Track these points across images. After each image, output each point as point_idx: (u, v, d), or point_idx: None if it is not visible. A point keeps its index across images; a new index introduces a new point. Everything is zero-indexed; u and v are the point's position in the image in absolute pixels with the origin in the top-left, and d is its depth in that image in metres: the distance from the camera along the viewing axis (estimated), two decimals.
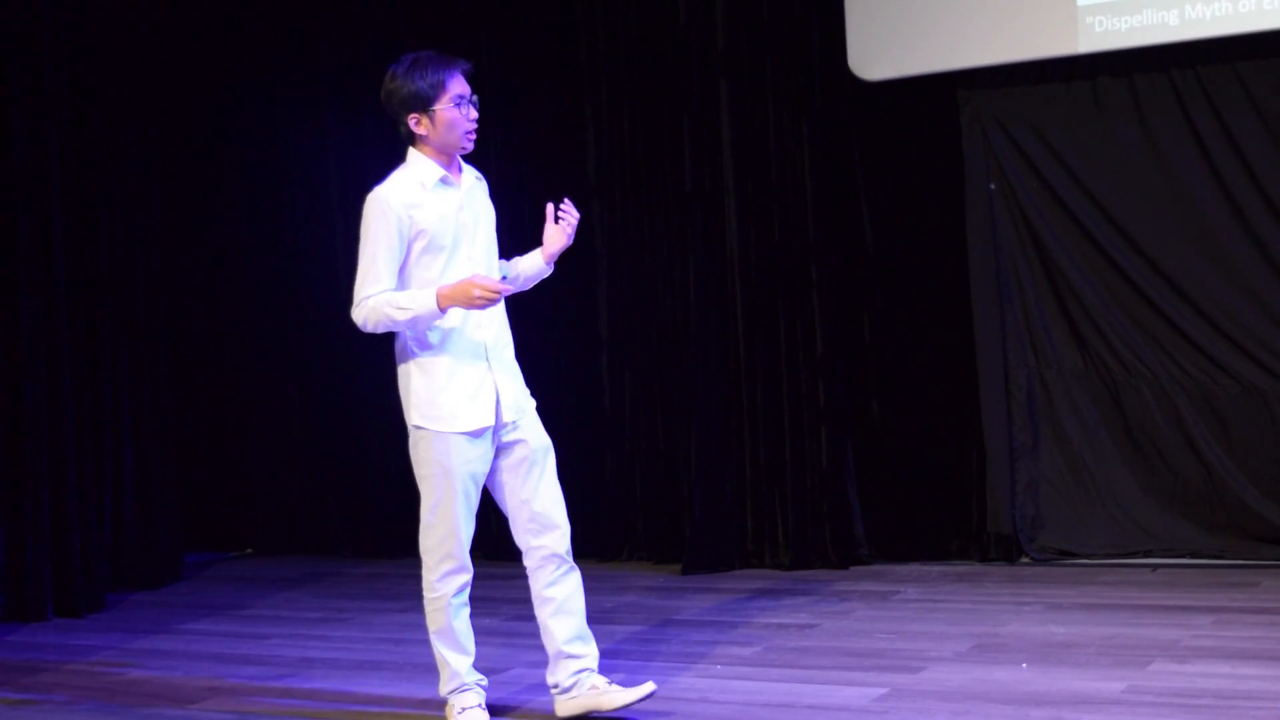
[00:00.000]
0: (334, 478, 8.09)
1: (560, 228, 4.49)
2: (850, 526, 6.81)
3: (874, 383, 6.91)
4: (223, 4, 8.24)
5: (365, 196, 8.40)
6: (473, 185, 4.39)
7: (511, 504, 4.36)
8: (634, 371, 7.29)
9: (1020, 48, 6.38)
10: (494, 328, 4.34)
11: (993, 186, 6.61)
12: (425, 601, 4.37)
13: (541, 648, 5.34)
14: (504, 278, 4.35)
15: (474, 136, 4.31)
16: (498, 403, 4.27)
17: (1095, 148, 6.47)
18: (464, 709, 4.35)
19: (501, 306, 4.36)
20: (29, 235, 6.60)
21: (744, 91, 6.90)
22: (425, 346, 4.27)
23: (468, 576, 4.35)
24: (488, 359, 4.29)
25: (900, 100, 6.77)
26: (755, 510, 6.93)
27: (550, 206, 4.56)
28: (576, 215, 4.51)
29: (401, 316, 4.18)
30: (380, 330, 4.27)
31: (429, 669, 5.10)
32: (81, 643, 6.05)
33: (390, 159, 8.24)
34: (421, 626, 5.96)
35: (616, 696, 4.32)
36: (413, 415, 4.28)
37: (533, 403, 4.44)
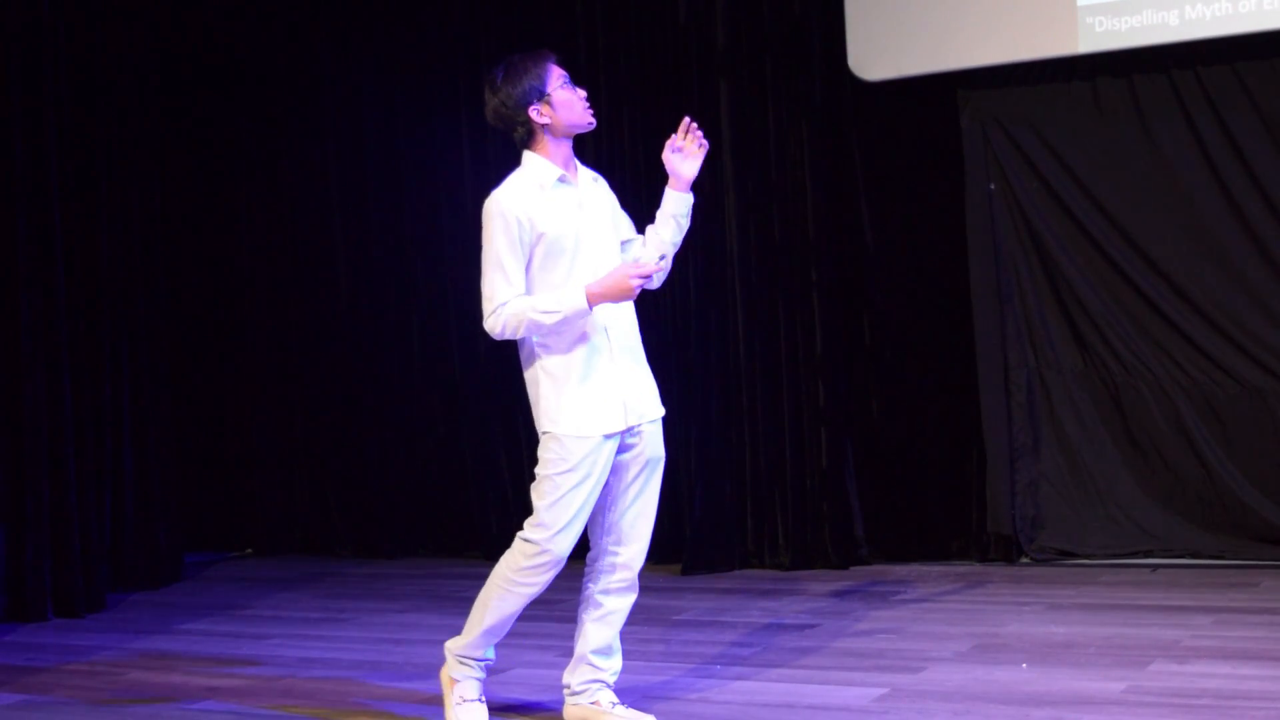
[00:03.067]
0: (334, 478, 8.09)
1: (686, 148, 4.31)
2: (850, 526, 6.81)
3: (874, 383, 6.91)
4: (222, 4, 8.24)
5: (364, 197, 8.44)
6: (590, 184, 4.32)
7: (604, 502, 4.28)
8: None
9: (1020, 48, 6.38)
10: (621, 326, 4.25)
11: (993, 186, 6.61)
12: (501, 580, 4.21)
13: (541, 648, 5.36)
14: (663, 255, 4.19)
15: (591, 111, 4.25)
16: (626, 407, 4.21)
17: (1095, 148, 6.47)
18: (464, 699, 4.33)
19: (630, 304, 4.27)
20: (29, 235, 6.60)
21: (744, 91, 6.91)
22: (551, 350, 4.19)
23: (554, 577, 4.23)
24: (614, 360, 4.22)
25: (900, 100, 6.77)
26: (755, 510, 6.94)
27: (671, 140, 4.37)
28: (696, 135, 4.32)
29: (550, 320, 4.09)
30: (519, 336, 4.16)
31: (429, 669, 5.11)
32: (81, 643, 6.05)
33: (389, 160, 8.23)
34: (422, 626, 5.99)
35: None
36: (543, 421, 4.19)
37: (660, 410, 4.36)
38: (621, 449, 4.25)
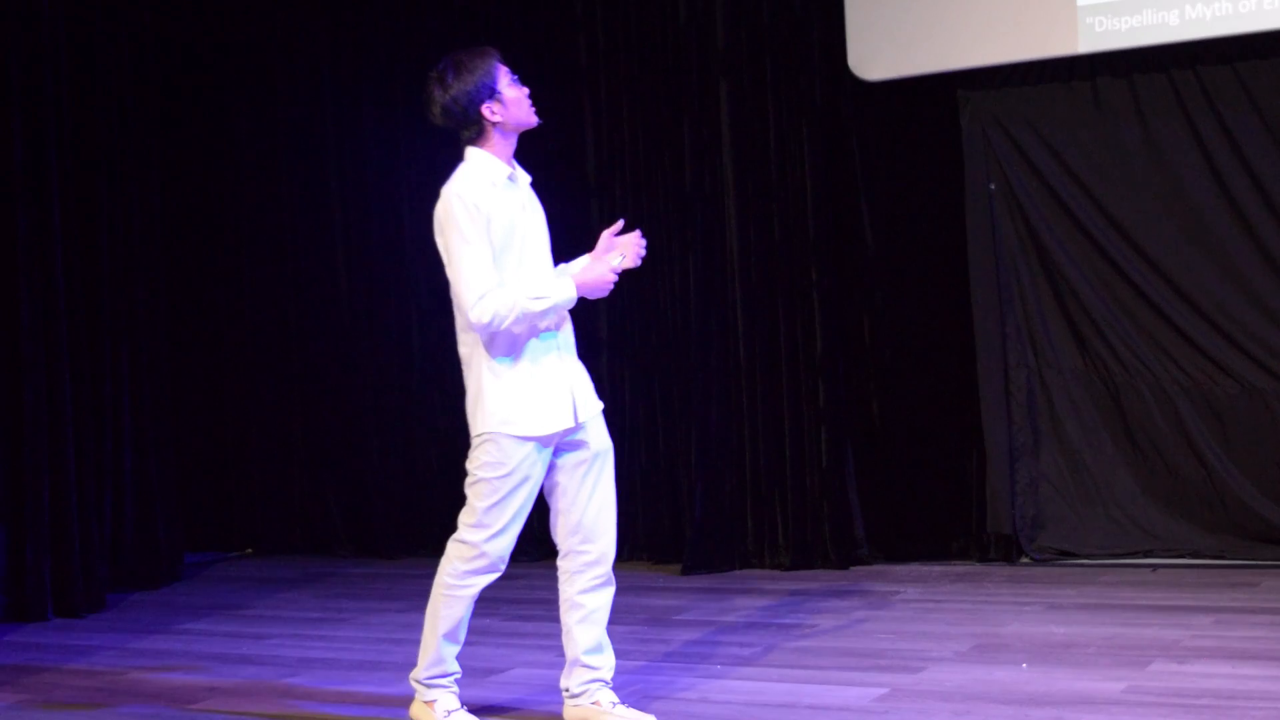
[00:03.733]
0: (334, 478, 8.09)
1: (622, 246, 4.28)
2: (850, 526, 6.81)
3: (874, 383, 6.91)
4: (222, 4, 8.24)
5: (363, 196, 8.42)
6: (529, 186, 4.33)
7: (562, 504, 4.27)
8: (634, 371, 7.29)
9: (1020, 48, 6.38)
10: (565, 325, 4.26)
11: (993, 186, 6.61)
12: (444, 589, 4.25)
13: (541, 648, 5.37)
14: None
15: (535, 109, 4.26)
16: (574, 405, 4.21)
17: (1095, 148, 6.47)
18: (450, 711, 4.33)
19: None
20: (29, 235, 6.60)
21: (744, 91, 6.90)
22: (500, 350, 4.14)
23: (497, 575, 4.26)
24: (560, 358, 4.22)
25: (900, 100, 6.77)
26: (755, 510, 6.93)
27: (606, 234, 4.35)
28: (638, 245, 4.29)
29: (538, 307, 4.07)
30: (509, 324, 4.07)
31: None
32: (81, 643, 6.05)
33: (388, 160, 8.23)
34: (421, 626, 5.97)
35: None
36: (489, 420, 4.13)
37: (600, 404, 4.36)
38: (570, 447, 4.24)
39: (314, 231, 8.09)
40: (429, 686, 4.34)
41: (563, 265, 4.38)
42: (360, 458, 7.97)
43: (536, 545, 7.20)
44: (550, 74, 7.42)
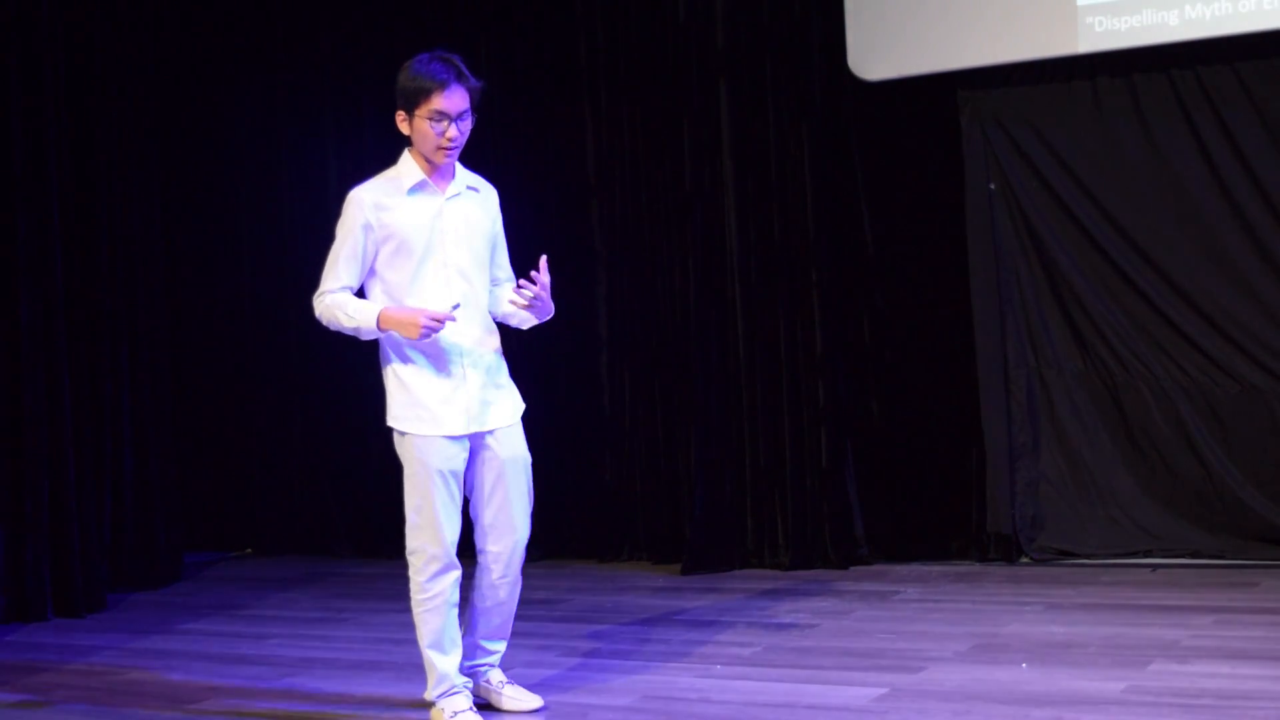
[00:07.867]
0: (334, 478, 8.08)
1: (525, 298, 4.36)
2: (850, 526, 6.81)
3: (874, 383, 6.91)
4: (223, 3, 8.24)
5: None
6: (463, 195, 4.39)
7: (474, 505, 4.47)
8: (634, 371, 7.30)
9: (1020, 48, 6.38)
10: (474, 333, 4.36)
11: (993, 186, 6.61)
12: (415, 604, 4.38)
13: (541, 648, 5.37)
14: (456, 305, 4.27)
15: (450, 154, 4.29)
16: (469, 416, 4.33)
17: (1095, 148, 6.47)
18: (456, 713, 4.37)
19: (484, 312, 4.41)
20: (28, 235, 6.60)
21: (744, 91, 6.90)
22: (401, 352, 4.33)
23: (457, 574, 4.39)
24: (464, 365, 4.34)
25: (900, 100, 6.77)
26: (755, 510, 6.93)
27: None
28: (539, 287, 4.36)
29: (347, 323, 4.28)
30: (332, 328, 4.33)
31: None
32: (81, 643, 6.05)
33: (388, 159, 8.24)
34: None
35: (505, 701, 4.54)
36: (390, 418, 4.35)
37: (517, 410, 4.46)
38: (478, 452, 4.38)
39: (314, 231, 8.06)
40: (438, 698, 4.44)
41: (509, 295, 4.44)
42: (360, 458, 7.96)
43: (534, 546, 7.19)
44: (550, 74, 7.42)
